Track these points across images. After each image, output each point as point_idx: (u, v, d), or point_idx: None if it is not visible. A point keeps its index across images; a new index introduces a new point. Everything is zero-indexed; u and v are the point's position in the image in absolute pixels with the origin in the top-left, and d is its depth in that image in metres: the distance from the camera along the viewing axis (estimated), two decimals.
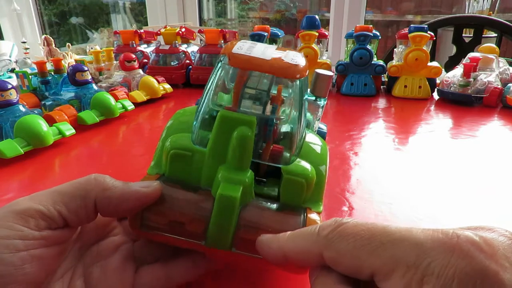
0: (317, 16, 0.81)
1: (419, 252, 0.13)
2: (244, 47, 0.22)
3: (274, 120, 0.22)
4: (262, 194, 0.22)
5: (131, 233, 0.23)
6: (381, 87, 0.85)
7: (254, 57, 0.21)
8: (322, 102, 0.25)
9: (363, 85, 0.78)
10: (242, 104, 0.21)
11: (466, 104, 0.70)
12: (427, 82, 0.75)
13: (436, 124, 0.59)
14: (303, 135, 0.24)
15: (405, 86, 0.76)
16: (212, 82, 0.22)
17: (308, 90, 0.27)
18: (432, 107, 0.70)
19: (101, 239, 0.22)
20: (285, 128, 0.23)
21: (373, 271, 0.14)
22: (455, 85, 0.70)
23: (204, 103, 0.22)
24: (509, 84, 0.67)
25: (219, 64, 0.22)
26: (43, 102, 0.58)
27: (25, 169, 0.41)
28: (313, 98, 0.27)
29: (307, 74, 0.22)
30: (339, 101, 0.76)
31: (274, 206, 0.21)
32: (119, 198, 0.19)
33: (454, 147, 0.50)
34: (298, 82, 0.21)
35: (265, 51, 0.21)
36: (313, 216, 0.21)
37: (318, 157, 0.24)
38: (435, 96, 0.77)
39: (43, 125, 0.45)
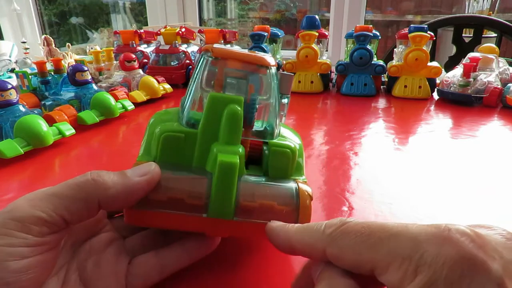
0: (317, 16, 0.81)
1: (413, 245, 0.14)
2: (222, 46, 0.25)
3: (256, 102, 0.24)
4: (249, 174, 0.24)
5: (121, 230, 0.24)
6: (381, 87, 0.85)
7: (233, 50, 0.24)
8: (286, 100, 0.29)
9: (363, 85, 0.78)
10: (227, 90, 0.24)
11: (466, 104, 0.70)
12: (427, 82, 0.75)
13: (436, 124, 0.59)
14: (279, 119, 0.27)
15: (405, 86, 0.76)
16: (199, 71, 0.24)
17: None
18: (432, 107, 0.70)
19: (93, 236, 0.22)
20: (266, 107, 0.25)
21: (373, 265, 0.15)
22: (455, 85, 0.70)
23: (193, 88, 0.24)
24: (509, 84, 0.67)
25: (203, 58, 0.24)
26: (43, 102, 0.58)
27: (25, 169, 0.41)
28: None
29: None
30: (339, 101, 0.76)
31: (265, 179, 0.24)
32: (122, 194, 0.19)
33: (454, 147, 0.50)
34: (272, 69, 0.24)
35: (241, 50, 0.25)
36: (304, 186, 0.23)
37: (295, 137, 0.27)
38: (435, 96, 0.77)
39: (43, 125, 0.45)
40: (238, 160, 0.21)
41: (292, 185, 0.23)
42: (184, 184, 0.21)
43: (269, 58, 0.25)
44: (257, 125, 0.25)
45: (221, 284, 0.24)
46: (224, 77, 0.24)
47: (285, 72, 0.27)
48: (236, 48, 0.25)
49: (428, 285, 0.13)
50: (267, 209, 0.22)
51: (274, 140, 0.25)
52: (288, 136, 0.27)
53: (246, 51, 0.25)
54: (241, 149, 0.22)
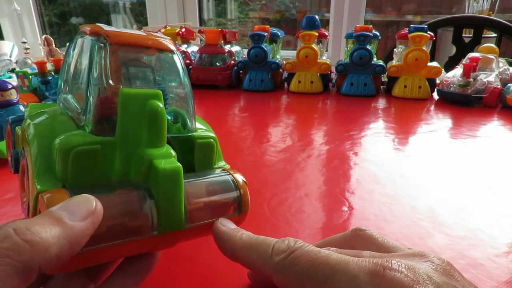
0: (317, 16, 0.81)
1: (354, 285, 0.15)
2: (111, 28, 0.20)
3: (167, 91, 0.22)
4: None
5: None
6: (381, 87, 0.85)
7: (131, 33, 0.20)
8: None
9: (363, 85, 0.78)
10: (133, 82, 0.20)
11: (466, 104, 0.70)
12: (427, 82, 0.75)
13: (436, 124, 0.59)
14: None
15: (405, 86, 0.76)
16: (94, 62, 0.19)
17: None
18: (432, 107, 0.70)
19: None
20: (180, 98, 0.23)
21: None
22: (455, 85, 0.70)
23: (93, 90, 0.19)
24: (509, 84, 0.67)
25: (96, 45, 0.20)
26: (43, 102, 0.58)
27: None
28: None
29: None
30: (339, 101, 0.76)
31: (195, 175, 0.22)
32: (67, 249, 0.15)
33: (454, 147, 0.50)
34: (177, 53, 0.22)
35: (134, 31, 0.21)
36: (237, 174, 0.23)
37: (208, 126, 0.26)
38: (435, 96, 0.77)
39: None
40: (178, 163, 0.19)
41: (227, 176, 0.22)
42: (120, 205, 0.18)
43: (171, 42, 0.22)
44: (170, 117, 0.23)
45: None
46: (126, 68, 0.20)
47: None
48: (122, 29, 0.21)
49: None
50: (213, 207, 0.21)
51: (195, 133, 0.23)
52: (199, 125, 0.25)
53: (140, 32, 0.22)
54: (172, 150, 0.20)
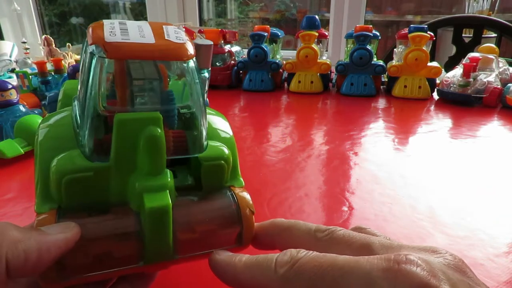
0: (317, 16, 0.81)
1: (367, 282, 0.14)
2: (116, 32, 0.18)
3: (176, 109, 0.19)
4: (178, 187, 0.20)
5: None
6: (381, 87, 0.85)
7: (136, 43, 0.17)
8: (206, 74, 0.24)
9: (363, 85, 0.78)
10: (136, 101, 0.19)
11: (466, 104, 0.70)
12: (427, 82, 0.75)
13: (436, 124, 0.59)
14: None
15: (405, 86, 0.76)
16: (91, 81, 0.18)
17: None
18: (432, 107, 0.70)
19: None
20: (189, 114, 0.20)
21: None
22: (455, 85, 0.70)
23: (88, 109, 0.18)
24: (509, 84, 0.67)
25: (94, 59, 0.17)
26: (43, 102, 0.58)
27: (25, 169, 0.41)
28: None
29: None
30: (339, 101, 0.76)
31: (199, 196, 0.20)
32: (35, 252, 0.15)
33: (454, 147, 0.50)
34: (191, 61, 0.19)
35: (143, 33, 0.18)
36: (243, 194, 0.21)
37: (223, 132, 0.23)
38: (435, 96, 0.77)
39: None
40: (169, 198, 0.17)
41: (232, 205, 0.20)
42: (108, 233, 0.17)
43: (186, 40, 0.19)
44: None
45: None
46: (128, 84, 0.18)
47: (202, 42, 0.22)
48: (133, 29, 0.18)
49: None
50: (208, 237, 0.19)
51: (204, 152, 0.20)
52: (216, 125, 0.22)
53: (147, 26, 0.19)
54: (169, 177, 0.18)
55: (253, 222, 0.20)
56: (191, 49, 0.19)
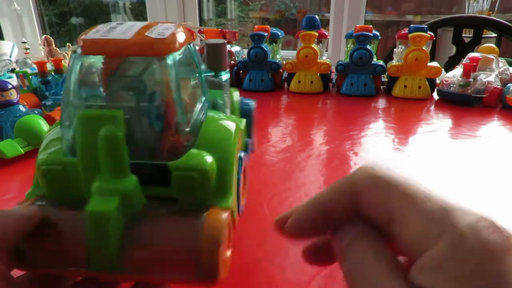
0: (317, 16, 0.81)
1: (444, 211, 0.13)
2: (101, 30, 0.18)
3: (154, 109, 0.18)
4: (154, 196, 0.18)
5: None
6: (381, 87, 0.85)
7: (110, 40, 0.17)
8: (224, 76, 0.23)
9: (363, 85, 0.78)
10: (110, 97, 0.19)
11: (466, 104, 0.70)
12: (427, 82, 0.75)
13: (436, 124, 0.59)
14: (200, 120, 0.21)
15: (405, 86, 0.76)
16: (67, 77, 0.18)
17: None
18: (432, 107, 0.70)
19: None
20: (163, 113, 0.19)
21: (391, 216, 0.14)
22: (455, 85, 0.70)
23: (66, 105, 0.19)
24: (509, 84, 0.67)
25: (73, 57, 0.18)
26: (43, 102, 0.58)
27: (25, 169, 0.41)
28: (212, 73, 0.24)
29: (180, 46, 0.19)
30: (339, 101, 0.76)
31: (169, 211, 0.18)
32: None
33: (454, 147, 0.50)
34: (168, 59, 0.18)
35: (129, 30, 0.18)
36: (218, 218, 0.18)
37: (222, 142, 0.20)
38: (435, 96, 0.77)
39: (43, 125, 0.45)
40: (116, 206, 0.16)
41: (197, 224, 0.17)
42: (63, 232, 0.17)
43: (167, 36, 0.18)
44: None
45: None
46: (109, 81, 0.18)
47: (213, 41, 0.21)
48: (122, 27, 0.18)
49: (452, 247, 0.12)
50: (161, 259, 0.17)
51: (179, 159, 0.18)
52: (212, 137, 0.20)
53: (140, 24, 0.19)
54: (131, 182, 0.17)
55: (218, 256, 0.17)
56: (168, 46, 0.18)
